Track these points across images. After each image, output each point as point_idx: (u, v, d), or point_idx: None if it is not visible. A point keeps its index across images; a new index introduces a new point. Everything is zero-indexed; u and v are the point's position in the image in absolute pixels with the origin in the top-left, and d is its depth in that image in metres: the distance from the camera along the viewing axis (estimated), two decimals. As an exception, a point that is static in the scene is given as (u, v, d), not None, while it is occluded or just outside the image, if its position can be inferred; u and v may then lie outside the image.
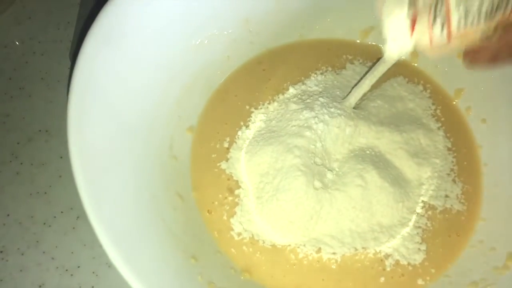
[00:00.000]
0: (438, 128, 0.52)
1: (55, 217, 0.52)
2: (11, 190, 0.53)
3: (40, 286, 0.49)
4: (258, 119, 0.52)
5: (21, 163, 0.55)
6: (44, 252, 0.50)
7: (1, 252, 0.51)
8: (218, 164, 0.50)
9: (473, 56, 0.36)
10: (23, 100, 0.59)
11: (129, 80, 0.44)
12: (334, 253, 0.46)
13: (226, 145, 0.51)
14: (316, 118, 0.48)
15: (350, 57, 0.56)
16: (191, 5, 0.49)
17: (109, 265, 0.49)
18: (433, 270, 0.46)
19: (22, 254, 0.50)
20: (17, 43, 0.63)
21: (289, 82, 0.54)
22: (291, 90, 0.54)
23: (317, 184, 0.46)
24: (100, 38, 0.42)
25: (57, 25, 0.64)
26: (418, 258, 0.46)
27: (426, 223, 0.48)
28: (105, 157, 0.40)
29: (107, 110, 0.42)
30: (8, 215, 0.52)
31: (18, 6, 0.65)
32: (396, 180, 0.47)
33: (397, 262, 0.46)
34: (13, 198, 0.53)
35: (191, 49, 0.51)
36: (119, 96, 0.43)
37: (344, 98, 0.51)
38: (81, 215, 0.52)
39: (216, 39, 0.52)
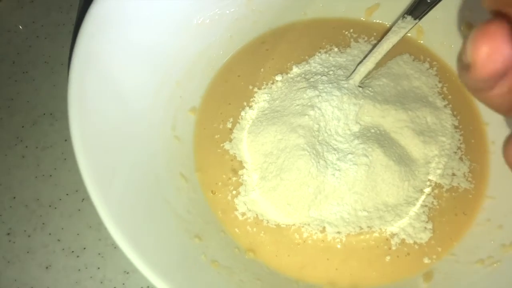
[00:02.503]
0: (445, 106, 0.51)
1: (60, 199, 0.52)
2: (17, 173, 0.54)
3: (47, 268, 0.49)
4: (262, 99, 0.52)
5: (26, 146, 0.55)
6: (50, 234, 0.51)
7: (8, 234, 0.51)
8: (222, 145, 0.50)
9: None
10: (27, 84, 0.59)
11: (130, 60, 0.44)
12: (339, 233, 0.46)
13: (229, 125, 0.51)
14: (320, 97, 0.48)
15: (355, 35, 0.55)
16: (192, -16, 0.48)
17: (115, 246, 0.50)
18: (439, 249, 0.45)
19: (29, 236, 0.51)
20: (20, 27, 0.62)
21: (292, 62, 0.54)
22: (295, 70, 0.53)
23: (321, 163, 0.45)
24: (100, 18, 0.41)
25: (59, 8, 0.63)
26: (425, 237, 0.46)
27: (433, 202, 0.47)
28: (107, 138, 0.40)
29: (108, 91, 0.42)
30: (14, 197, 0.53)
31: (20, -10, 0.65)
32: (402, 158, 0.47)
33: (403, 241, 0.46)
34: (19, 181, 0.53)
35: (193, 29, 0.50)
36: (120, 76, 0.43)
37: (349, 76, 0.50)
38: (86, 197, 0.52)
39: (218, 19, 0.52)
